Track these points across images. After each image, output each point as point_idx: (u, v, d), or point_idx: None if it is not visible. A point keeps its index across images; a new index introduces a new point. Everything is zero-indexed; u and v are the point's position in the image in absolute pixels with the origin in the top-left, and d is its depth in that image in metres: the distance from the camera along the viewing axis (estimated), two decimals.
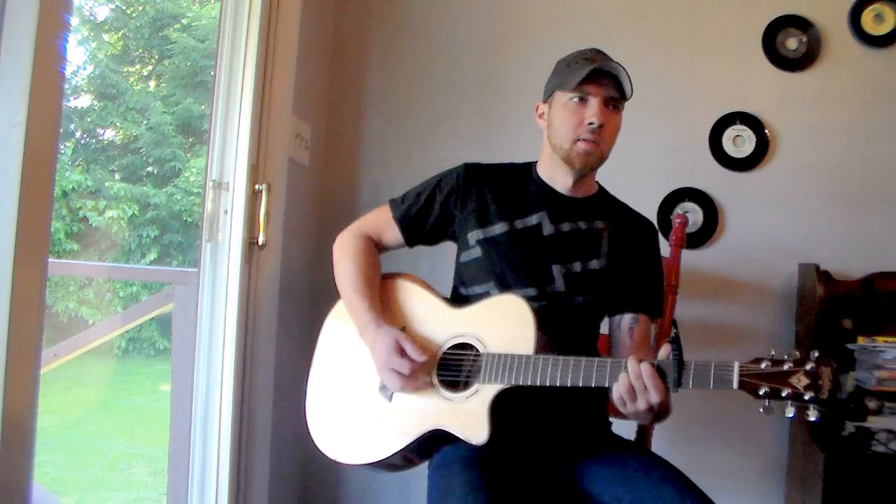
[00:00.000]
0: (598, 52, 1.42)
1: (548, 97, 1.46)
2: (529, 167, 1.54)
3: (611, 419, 1.51)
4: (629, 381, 1.17)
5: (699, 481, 1.26)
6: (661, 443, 1.70)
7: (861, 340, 1.84)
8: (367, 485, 2.16)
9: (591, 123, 1.37)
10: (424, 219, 1.52)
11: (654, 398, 1.16)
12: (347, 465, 1.44)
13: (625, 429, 1.53)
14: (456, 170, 1.52)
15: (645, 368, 1.17)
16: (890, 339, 1.81)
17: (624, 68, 1.38)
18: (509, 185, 1.50)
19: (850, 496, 1.80)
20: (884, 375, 1.79)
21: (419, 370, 1.34)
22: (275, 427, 1.85)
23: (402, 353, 1.34)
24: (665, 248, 1.79)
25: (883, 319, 1.88)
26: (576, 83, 1.36)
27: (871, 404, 1.80)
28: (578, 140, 1.39)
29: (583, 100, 1.38)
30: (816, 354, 1.09)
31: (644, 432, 1.67)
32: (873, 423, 1.80)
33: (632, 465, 1.32)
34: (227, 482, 1.69)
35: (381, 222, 1.55)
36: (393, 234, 1.54)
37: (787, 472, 2.03)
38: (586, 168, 1.42)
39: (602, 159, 1.43)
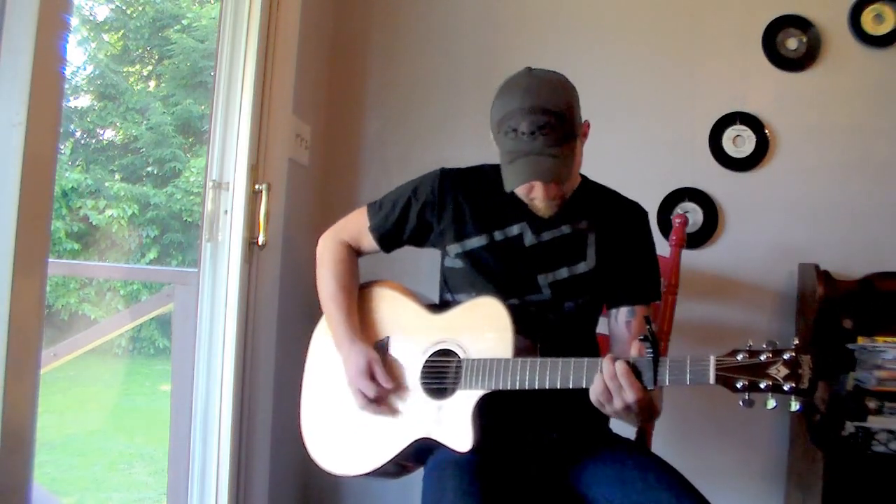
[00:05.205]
0: (528, 111, 1.27)
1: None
2: None
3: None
4: (604, 382, 1.15)
5: (699, 481, 1.26)
6: (661, 442, 1.70)
7: (861, 340, 1.84)
8: (367, 484, 2.16)
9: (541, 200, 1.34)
10: (400, 229, 1.49)
11: (630, 397, 1.13)
12: (342, 476, 1.44)
13: (625, 428, 1.53)
14: (431, 177, 1.48)
15: (619, 367, 1.14)
16: (890, 339, 1.81)
17: (558, 136, 1.27)
18: (488, 192, 1.44)
19: (850, 496, 1.80)
20: (884, 375, 1.79)
21: (386, 395, 1.35)
22: (275, 427, 1.85)
23: (371, 376, 1.34)
24: (665, 248, 1.79)
25: (883, 319, 1.88)
26: (511, 189, 1.32)
27: (871, 404, 1.80)
28: (534, 201, 1.36)
29: None
30: (795, 342, 1.07)
31: (644, 432, 1.67)
32: (873, 423, 1.79)
33: (629, 466, 1.31)
34: (227, 482, 1.69)
35: (359, 229, 1.53)
36: (369, 242, 1.52)
37: (787, 472, 2.03)
38: (553, 213, 1.39)
39: (570, 193, 1.40)
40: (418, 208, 1.47)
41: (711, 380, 1.09)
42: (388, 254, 1.55)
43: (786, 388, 1.05)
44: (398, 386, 1.37)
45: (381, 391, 1.35)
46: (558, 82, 1.33)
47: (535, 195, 1.34)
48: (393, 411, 1.38)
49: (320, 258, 1.54)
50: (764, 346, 1.08)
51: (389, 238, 1.51)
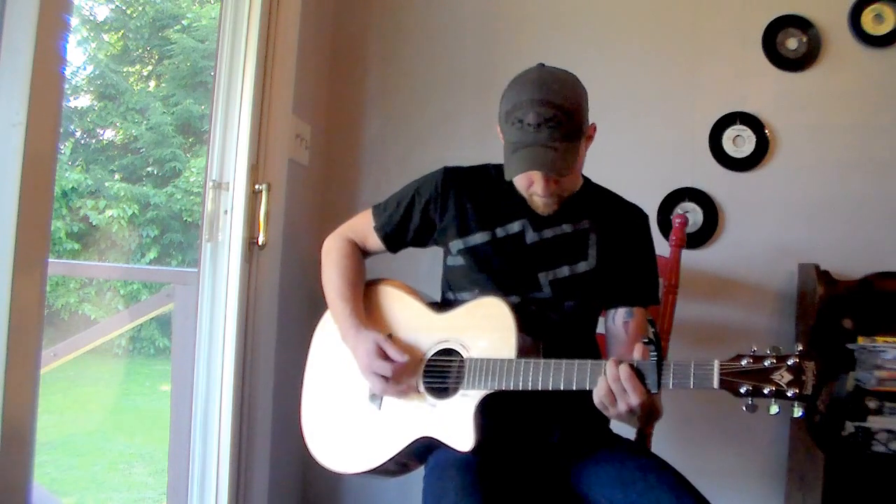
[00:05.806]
0: (537, 103, 1.27)
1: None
2: None
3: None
4: (607, 385, 1.15)
5: (699, 481, 1.26)
6: (661, 443, 1.70)
7: (861, 340, 1.84)
8: (367, 483, 2.16)
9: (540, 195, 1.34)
10: (405, 228, 1.50)
11: (634, 400, 1.13)
12: (343, 474, 1.44)
13: (625, 429, 1.53)
14: (435, 176, 1.48)
15: (623, 370, 1.14)
16: (890, 339, 1.81)
17: (564, 128, 1.26)
18: (490, 190, 1.45)
19: (850, 496, 1.80)
20: (884, 375, 1.78)
21: (403, 372, 1.34)
22: (275, 427, 1.85)
23: (383, 355, 1.34)
24: (665, 248, 1.79)
25: (883, 319, 1.88)
26: (511, 178, 1.32)
27: (871, 404, 1.80)
28: (532, 196, 1.37)
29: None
30: (800, 349, 1.07)
31: (644, 432, 1.67)
32: (873, 423, 1.79)
33: (629, 466, 1.31)
34: (227, 482, 1.69)
35: (364, 230, 1.54)
36: (375, 241, 1.53)
37: (787, 472, 2.03)
38: (551, 212, 1.39)
39: (570, 193, 1.40)
40: (422, 206, 1.47)
41: (716, 384, 1.09)
42: (395, 254, 1.55)
43: (789, 394, 1.05)
44: (411, 361, 1.36)
45: (398, 367, 1.33)
46: (569, 80, 1.33)
47: (534, 189, 1.35)
48: (398, 407, 1.37)
49: (326, 255, 1.54)
50: (768, 351, 1.08)
51: (395, 237, 1.51)
